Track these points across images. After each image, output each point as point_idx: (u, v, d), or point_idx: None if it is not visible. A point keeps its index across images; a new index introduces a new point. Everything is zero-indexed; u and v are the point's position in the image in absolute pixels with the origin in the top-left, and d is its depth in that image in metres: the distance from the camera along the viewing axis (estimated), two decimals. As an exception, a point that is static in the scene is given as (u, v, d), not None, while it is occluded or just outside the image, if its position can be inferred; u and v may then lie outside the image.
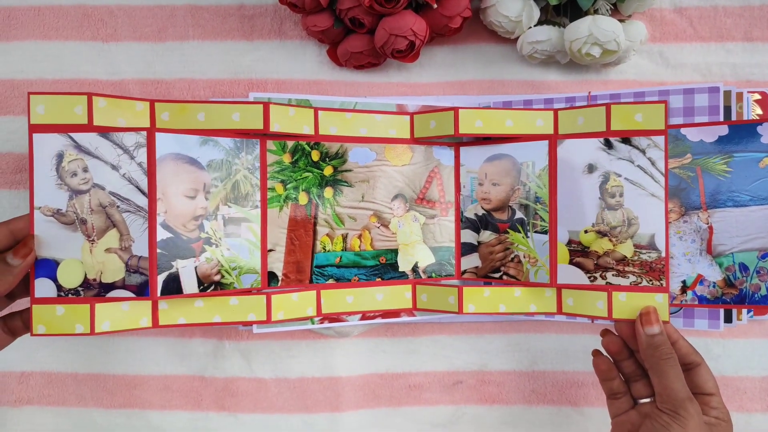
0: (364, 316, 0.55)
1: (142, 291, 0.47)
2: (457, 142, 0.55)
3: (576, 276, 0.51)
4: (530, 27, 0.54)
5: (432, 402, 0.60)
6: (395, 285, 0.55)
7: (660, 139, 0.50)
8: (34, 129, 0.46)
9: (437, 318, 0.58)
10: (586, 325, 0.58)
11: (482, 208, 0.55)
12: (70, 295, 0.46)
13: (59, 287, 0.46)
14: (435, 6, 0.52)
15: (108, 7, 0.58)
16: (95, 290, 0.47)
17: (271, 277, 0.52)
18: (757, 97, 0.56)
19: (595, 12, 0.53)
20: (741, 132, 0.49)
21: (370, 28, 0.53)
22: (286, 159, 0.52)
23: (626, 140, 0.50)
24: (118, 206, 0.47)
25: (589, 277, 0.51)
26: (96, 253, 0.47)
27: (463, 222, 0.56)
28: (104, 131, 0.47)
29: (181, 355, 0.60)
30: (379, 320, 0.56)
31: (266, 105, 0.49)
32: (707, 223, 0.50)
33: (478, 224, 0.55)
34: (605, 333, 0.51)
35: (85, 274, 0.47)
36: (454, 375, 0.60)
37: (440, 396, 0.60)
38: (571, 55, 0.53)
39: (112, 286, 0.47)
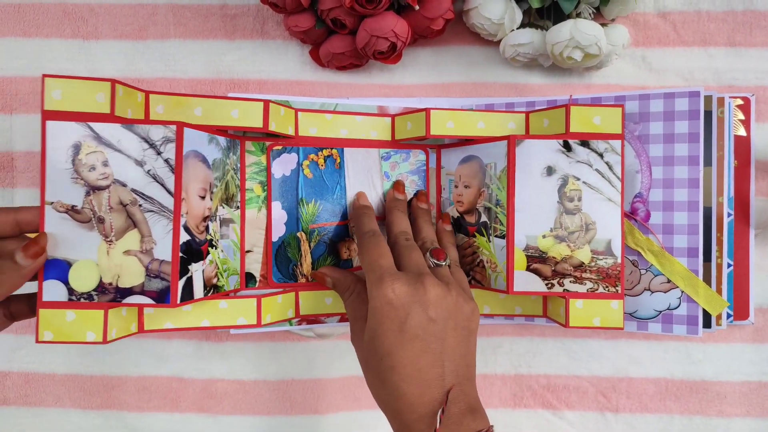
0: (343, 318, 0.54)
1: (162, 297, 0.43)
2: (439, 144, 0.55)
3: (533, 283, 0.50)
4: (513, 30, 0.54)
5: (412, 405, 0.60)
6: None
7: (617, 143, 0.49)
8: (47, 116, 0.42)
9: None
10: (566, 330, 0.58)
11: (456, 210, 0.54)
12: (82, 300, 0.43)
13: (71, 291, 0.42)
14: (417, 7, 0.52)
15: (89, 5, 0.58)
16: (111, 295, 0.43)
17: (249, 278, 0.52)
18: (740, 102, 0.56)
19: (578, 16, 0.53)
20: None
21: (351, 29, 0.53)
22: (264, 160, 0.52)
23: (585, 143, 0.49)
24: (140, 205, 0.43)
25: (546, 284, 0.50)
26: (113, 255, 0.43)
27: (444, 225, 0.56)
28: (128, 122, 0.43)
29: (160, 357, 0.59)
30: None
31: (266, 103, 0.47)
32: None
33: (454, 227, 0.54)
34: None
35: (101, 278, 0.43)
36: (434, 378, 0.60)
37: (421, 399, 0.60)
38: (553, 59, 0.53)
39: (130, 291, 0.43)
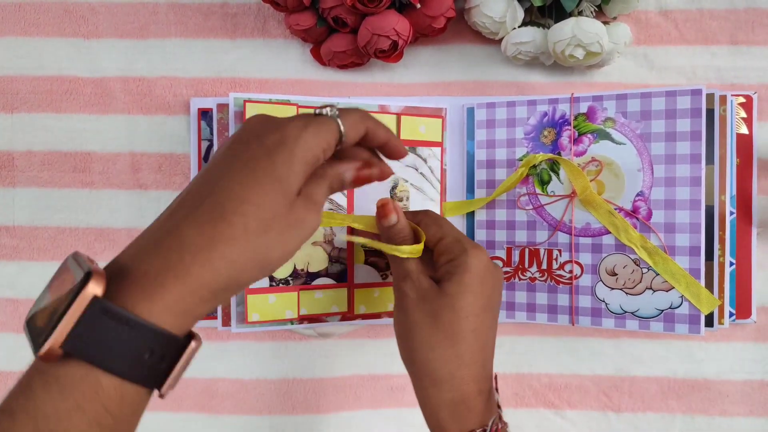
0: (344, 317, 0.54)
1: (341, 278, 0.54)
2: None
3: (371, 275, 0.54)
4: (514, 28, 0.54)
5: (413, 404, 0.59)
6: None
7: (438, 150, 0.56)
8: None
9: (419, 320, 0.58)
10: (568, 328, 0.58)
11: None
12: (281, 285, 0.52)
13: (271, 278, 0.52)
14: (418, 6, 0.51)
15: (89, 4, 0.58)
16: (302, 279, 0.53)
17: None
18: (742, 100, 0.56)
19: (579, 14, 0.53)
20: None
21: (353, 27, 0.53)
22: None
23: (412, 149, 0.55)
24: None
25: (381, 276, 0.55)
26: (304, 246, 0.49)
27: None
28: None
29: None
30: (359, 321, 0.55)
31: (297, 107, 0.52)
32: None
33: None
34: None
35: (294, 265, 0.52)
36: (436, 377, 0.59)
37: (422, 398, 0.60)
38: (555, 57, 0.53)
39: (317, 275, 0.53)
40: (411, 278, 0.44)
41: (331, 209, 0.53)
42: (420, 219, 0.47)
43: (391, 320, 0.55)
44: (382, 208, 0.46)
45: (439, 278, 0.44)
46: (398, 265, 0.45)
